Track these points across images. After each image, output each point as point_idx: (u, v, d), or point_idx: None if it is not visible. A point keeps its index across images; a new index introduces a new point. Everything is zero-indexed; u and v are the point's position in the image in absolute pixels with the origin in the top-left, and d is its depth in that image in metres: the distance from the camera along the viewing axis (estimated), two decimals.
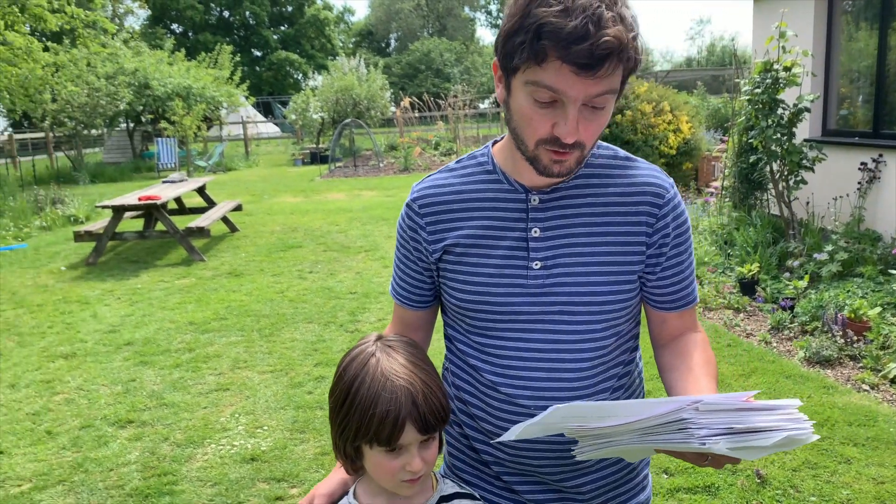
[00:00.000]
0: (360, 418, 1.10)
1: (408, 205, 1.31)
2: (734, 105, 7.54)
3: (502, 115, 1.11)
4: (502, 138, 1.28)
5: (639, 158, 1.29)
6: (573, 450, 1.07)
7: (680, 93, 16.06)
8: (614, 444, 1.02)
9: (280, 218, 10.61)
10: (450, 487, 1.23)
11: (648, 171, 1.26)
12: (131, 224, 9.37)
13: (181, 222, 8.71)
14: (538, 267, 1.21)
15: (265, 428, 3.70)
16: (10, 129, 23.46)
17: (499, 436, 1.24)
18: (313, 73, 30.06)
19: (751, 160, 6.57)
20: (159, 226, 8.71)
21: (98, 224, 8.55)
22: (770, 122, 5.88)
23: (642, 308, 1.33)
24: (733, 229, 6.62)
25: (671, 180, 1.28)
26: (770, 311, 5.03)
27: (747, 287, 5.52)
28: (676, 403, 0.95)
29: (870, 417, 3.47)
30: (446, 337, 1.37)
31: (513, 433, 1.04)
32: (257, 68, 46.75)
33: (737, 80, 7.04)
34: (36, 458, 3.46)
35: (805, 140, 6.54)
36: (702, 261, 6.32)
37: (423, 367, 1.13)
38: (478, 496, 1.25)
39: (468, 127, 20.87)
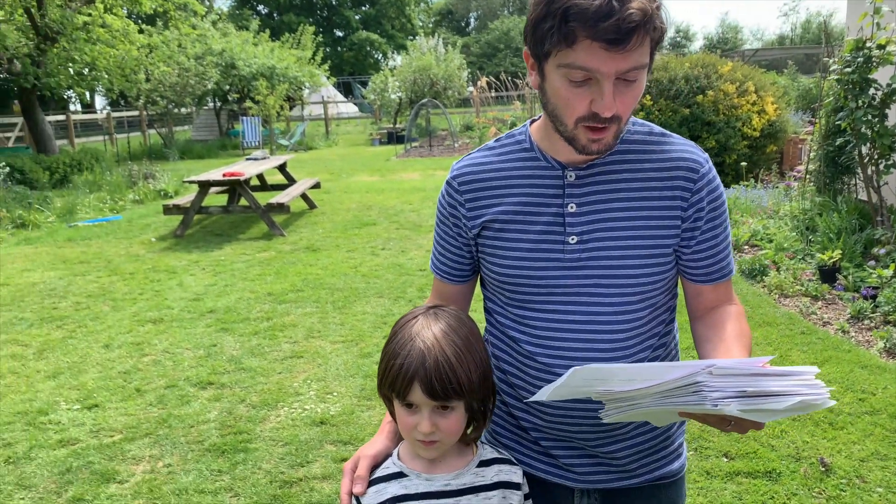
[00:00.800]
0: (384, 367, 1.19)
1: (448, 182, 1.37)
2: (822, 85, 7.22)
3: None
4: (540, 117, 1.32)
5: (674, 134, 1.31)
6: (600, 412, 1.12)
7: (768, 72, 15.41)
8: (637, 406, 1.06)
9: (356, 196, 10.87)
10: (489, 453, 1.29)
11: (683, 146, 1.28)
12: (216, 199, 9.80)
13: (263, 198, 9.05)
14: (574, 241, 1.25)
15: (335, 394, 3.87)
16: (108, 108, 24.76)
17: (536, 407, 1.30)
18: (393, 53, 30.33)
19: (838, 143, 6.29)
20: (242, 201, 9.09)
21: (185, 198, 9.00)
22: (860, 102, 5.61)
23: (679, 281, 1.36)
24: (816, 215, 6.37)
25: (706, 155, 1.29)
26: (850, 300, 4.85)
27: (827, 274, 5.33)
28: (691, 367, 0.98)
29: None
30: (486, 310, 1.42)
31: (542, 394, 1.10)
32: (339, 48, 47.54)
33: (826, 59, 6.72)
34: (126, 413, 3.75)
35: None
36: (781, 246, 6.13)
37: (452, 341, 1.17)
38: (516, 461, 1.31)
39: None
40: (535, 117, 1.35)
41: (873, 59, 5.56)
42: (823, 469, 2.92)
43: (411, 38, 37.90)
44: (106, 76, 14.70)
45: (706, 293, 1.31)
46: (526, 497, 1.29)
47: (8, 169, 11.06)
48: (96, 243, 8.12)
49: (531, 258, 1.27)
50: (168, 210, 8.58)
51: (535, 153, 1.30)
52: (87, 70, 14.75)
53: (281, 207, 8.35)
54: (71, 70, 14.48)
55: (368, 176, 13.38)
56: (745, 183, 8.41)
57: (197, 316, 5.32)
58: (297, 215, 9.39)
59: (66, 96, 28.79)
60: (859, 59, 5.60)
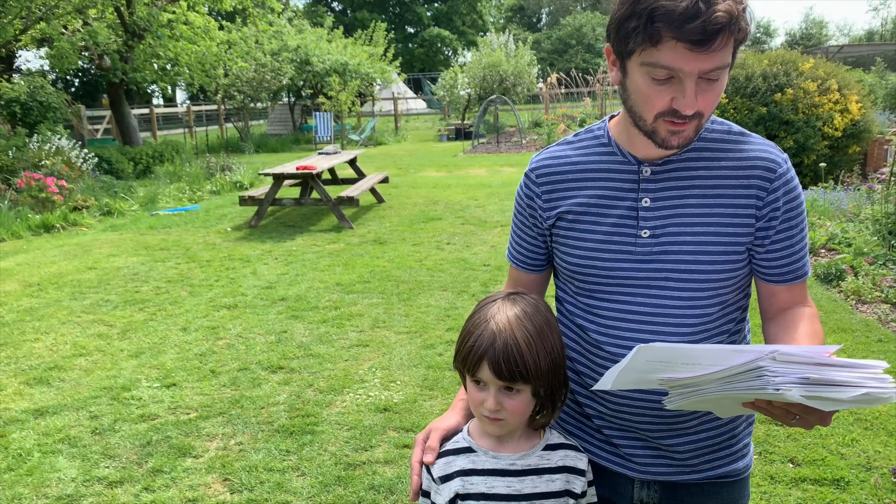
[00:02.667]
0: (460, 343, 1.26)
1: (526, 175, 1.42)
2: None
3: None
4: (619, 113, 1.35)
5: (753, 134, 1.32)
6: (664, 399, 1.14)
7: (854, 70, 14.76)
8: (700, 392, 1.07)
9: (423, 191, 11.00)
10: (556, 438, 1.33)
11: (762, 146, 1.29)
12: (289, 192, 10.10)
13: (333, 192, 9.28)
14: (647, 235, 1.27)
15: (398, 382, 3.97)
16: (188, 102, 25.73)
17: (602, 397, 1.33)
18: (463, 49, 30.42)
19: None
20: (314, 194, 9.34)
21: (260, 190, 9.32)
22: None
23: (752, 281, 1.36)
24: None
25: (785, 155, 1.29)
26: None
27: None
28: (755, 353, 0.99)
29: None
30: (557, 299, 1.46)
31: (608, 380, 1.13)
32: (410, 45, 47.96)
33: None
34: (201, 392, 3.94)
35: None
36: (860, 250, 5.90)
37: (525, 326, 1.22)
38: (582, 449, 1.34)
39: (616, 103, 20.33)
40: (615, 113, 1.37)
41: None
42: None
43: (482, 34, 37.91)
44: (187, 71, 15.31)
45: (780, 294, 1.31)
46: (590, 484, 1.33)
47: (96, 159, 11.67)
48: (176, 231, 8.51)
49: (603, 249, 1.30)
50: (244, 201, 8.90)
51: (612, 148, 1.33)
52: (170, 65, 15.39)
53: (350, 201, 8.55)
54: (155, 65, 15.16)
55: (435, 171, 13.50)
56: (824, 185, 8.10)
57: (269, 303, 5.52)
58: (365, 209, 9.58)
59: (149, 90, 30.09)
60: None
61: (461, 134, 20.21)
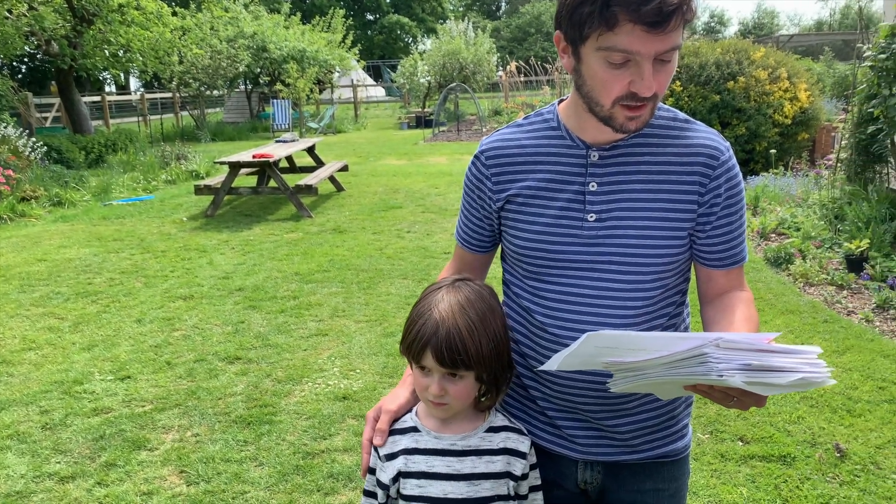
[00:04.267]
0: (406, 331, 1.28)
1: (476, 157, 1.42)
2: (856, 72, 7.09)
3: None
4: (568, 97, 1.36)
5: (698, 122, 1.34)
6: (608, 382, 1.17)
7: (803, 59, 15.12)
8: (644, 377, 1.10)
9: (383, 179, 10.95)
10: (500, 420, 1.35)
11: (706, 134, 1.31)
12: (246, 180, 9.96)
13: (291, 180, 9.18)
14: (593, 219, 1.29)
15: (358, 371, 3.97)
16: (142, 90, 25.14)
17: (546, 377, 1.35)
18: (422, 36, 30.28)
19: (870, 131, 6.20)
20: (271, 183, 9.22)
21: (216, 179, 9.17)
22: (894, 90, 5.53)
23: (692, 266, 1.39)
24: (845, 203, 6.29)
25: (727, 144, 1.32)
26: (876, 290, 4.81)
27: (854, 264, 5.28)
28: (699, 339, 1.02)
29: None
30: (504, 282, 1.48)
31: (554, 363, 1.14)
32: (369, 32, 47.54)
33: (859, 46, 6.60)
34: (157, 385, 3.88)
35: None
36: (808, 235, 6.07)
37: (467, 314, 1.24)
38: (525, 432, 1.37)
39: None
40: (563, 97, 1.39)
41: None
42: (839, 455, 2.94)
43: (441, 21, 37.77)
44: (140, 58, 14.93)
45: (718, 278, 1.34)
46: (532, 467, 1.35)
47: (45, 148, 11.33)
48: (130, 222, 8.33)
49: (550, 232, 1.32)
50: (199, 190, 8.75)
51: (561, 132, 1.34)
52: (121, 52, 14.99)
53: (309, 189, 8.47)
54: (106, 52, 14.74)
55: (396, 159, 13.45)
56: (775, 171, 8.31)
57: (226, 293, 5.45)
58: (324, 197, 9.51)
59: (101, 77, 29.29)
60: (894, 46, 5.51)
61: (422, 122, 20.14)
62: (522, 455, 1.32)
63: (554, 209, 1.32)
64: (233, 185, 8.66)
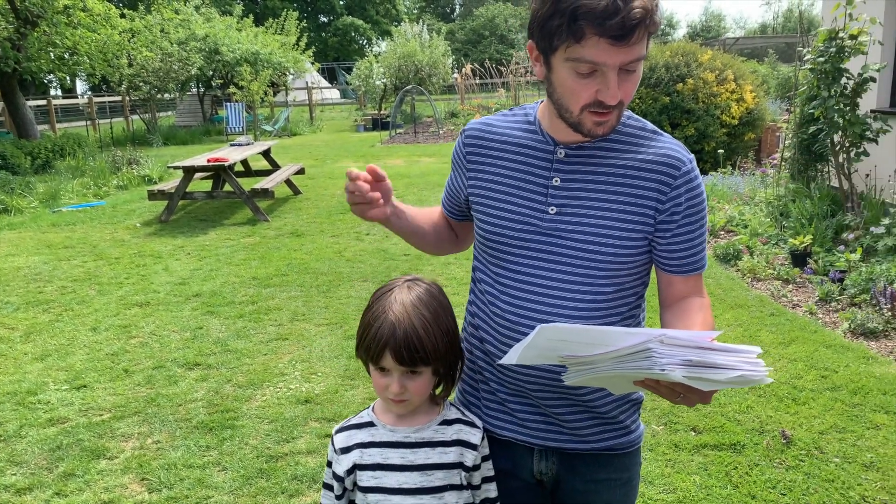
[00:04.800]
0: (361, 335, 1.33)
1: (461, 133, 1.53)
2: (797, 74, 7.37)
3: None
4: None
5: (665, 133, 1.41)
6: (562, 375, 1.23)
7: (749, 61, 15.57)
8: (596, 370, 1.16)
9: (341, 182, 10.92)
10: (453, 413, 1.42)
11: (671, 145, 1.38)
12: (201, 185, 9.83)
13: (247, 184, 9.09)
14: (553, 212, 1.36)
15: (319, 374, 3.98)
16: (90, 93, 24.53)
17: (500, 359, 1.41)
18: (377, 39, 30.22)
19: (811, 131, 6.44)
20: (227, 187, 9.12)
21: (170, 184, 9.03)
22: (833, 91, 5.76)
23: (652, 271, 1.45)
24: (790, 201, 6.53)
25: (691, 156, 1.39)
26: (819, 284, 5.02)
27: (799, 259, 5.49)
28: (646, 335, 1.08)
29: None
30: (473, 269, 1.55)
31: (513, 356, 1.20)
32: (323, 34, 47.20)
33: (800, 49, 6.86)
34: (115, 393, 3.83)
35: (872, 111, 6.37)
36: (755, 232, 6.29)
37: (422, 313, 1.30)
38: (478, 424, 1.43)
39: (529, 94, 20.75)
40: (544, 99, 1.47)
41: (845, 49, 5.71)
42: (785, 441, 3.08)
43: (396, 23, 37.74)
44: (87, 61, 14.58)
45: (677, 283, 1.41)
46: (484, 459, 1.41)
47: None
48: (81, 228, 8.14)
49: (513, 219, 1.39)
50: (153, 195, 8.61)
51: (535, 127, 1.42)
52: (68, 54, 14.62)
53: (265, 193, 8.40)
54: (52, 54, 14.36)
55: (353, 162, 13.42)
56: (723, 170, 8.57)
57: (183, 300, 5.39)
58: (281, 201, 9.44)
59: (46, 81, 28.47)
60: (832, 49, 5.75)
61: (378, 124, 20.11)
62: (474, 447, 1.39)
63: (520, 198, 1.39)
64: (187, 190, 8.54)
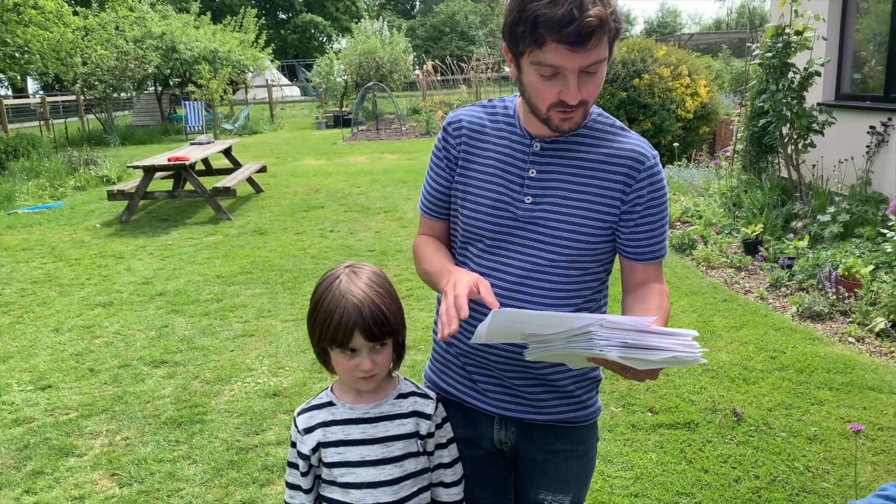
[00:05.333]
0: (322, 325, 1.39)
1: (444, 129, 1.60)
2: (748, 69, 7.61)
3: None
4: None
5: (632, 131, 1.53)
6: (524, 352, 1.33)
7: (703, 56, 15.94)
8: (552, 348, 1.28)
9: (303, 180, 10.91)
10: (407, 386, 1.53)
11: (636, 142, 1.50)
12: (161, 184, 9.73)
13: (209, 183, 9.03)
14: (529, 201, 1.47)
15: (286, 368, 4.03)
16: (42, 92, 23.96)
17: (470, 336, 1.51)
18: (337, 36, 30.06)
19: (761, 124, 6.67)
20: (188, 186, 9.05)
21: (130, 184, 8.93)
22: (780, 85, 5.98)
23: (615, 259, 1.57)
24: (742, 192, 6.76)
25: (656, 153, 1.51)
26: (769, 270, 5.23)
27: (750, 247, 5.71)
28: (588, 319, 1.21)
29: (848, 366, 3.70)
30: (451, 251, 1.64)
31: (481, 335, 1.30)
32: (282, 31, 46.75)
33: (749, 45, 7.10)
34: (81, 392, 3.83)
35: (818, 104, 6.62)
36: (709, 222, 6.50)
37: (377, 290, 1.40)
38: (431, 395, 1.54)
39: (491, 90, 20.90)
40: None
41: (792, 44, 5.94)
42: (736, 419, 3.23)
43: (356, 20, 37.58)
44: (40, 59, 14.27)
45: (638, 270, 1.52)
46: (438, 427, 1.53)
47: None
48: (38, 230, 8.01)
49: (492, 206, 1.49)
50: (113, 196, 8.50)
51: (514, 121, 1.52)
52: (19, 53, 14.28)
53: (227, 191, 8.37)
54: (2, 53, 14.01)
55: (315, 160, 13.39)
56: (679, 163, 8.80)
57: (147, 299, 5.38)
58: (243, 199, 9.41)
59: None
60: (779, 45, 5.97)
61: (340, 121, 20.05)
62: (428, 417, 1.50)
63: (500, 186, 1.49)
64: (148, 190, 8.46)
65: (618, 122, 1.52)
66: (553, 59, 1.29)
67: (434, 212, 1.62)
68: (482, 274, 1.49)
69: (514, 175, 1.48)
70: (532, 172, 1.47)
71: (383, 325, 1.38)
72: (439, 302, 1.62)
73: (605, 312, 1.60)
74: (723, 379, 3.64)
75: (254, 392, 3.75)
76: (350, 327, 1.36)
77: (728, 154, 7.96)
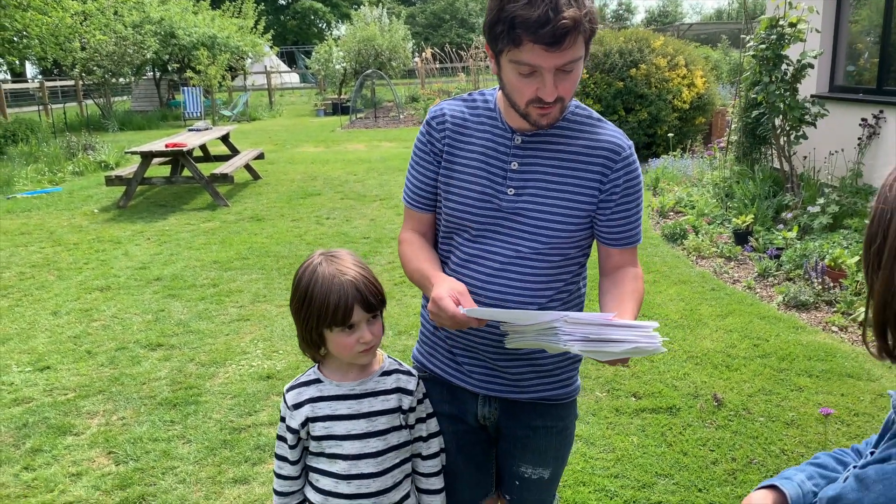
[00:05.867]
0: (319, 309, 1.47)
1: (426, 123, 1.65)
2: (742, 61, 7.66)
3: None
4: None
5: (609, 122, 1.60)
6: (504, 339, 1.46)
7: (703, 46, 15.94)
8: (527, 338, 1.40)
9: (301, 167, 10.96)
10: (391, 364, 1.62)
11: (613, 133, 1.57)
12: (159, 170, 9.77)
13: (206, 169, 9.08)
14: (511, 193, 1.54)
15: (280, 352, 4.11)
16: (41, 77, 23.92)
17: None
18: (337, 22, 29.97)
19: (755, 115, 6.73)
20: (186, 172, 9.10)
21: (128, 169, 8.98)
22: (774, 77, 6.03)
23: (594, 244, 1.65)
24: (734, 182, 6.83)
25: (630, 143, 1.58)
26: (758, 260, 5.30)
27: (741, 237, 5.78)
28: (553, 315, 1.32)
29: (829, 354, 3.78)
30: (438, 250, 1.71)
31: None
32: (281, 17, 46.56)
33: (743, 36, 7.14)
34: (78, 373, 3.91)
35: (811, 96, 6.67)
36: (701, 212, 6.57)
37: (361, 266, 1.52)
38: (413, 372, 1.63)
39: (489, 78, 20.89)
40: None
41: (785, 36, 5.98)
42: (716, 404, 3.32)
43: (355, 7, 37.44)
44: (38, 44, 14.27)
45: (614, 255, 1.60)
46: (419, 402, 1.62)
47: None
48: (37, 215, 8.08)
49: (476, 198, 1.56)
50: (111, 181, 8.56)
51: (495, 114, 1.59)
52: (17, 37, 14.27)
53: (224, 178, 8.43)
54: (1, 37, 14.00)
55: (313, 147, 13.43)
56: (673, 153, 8.86)
57: (144, 283, 5.45)
58: (241, 186, 9.46)
59: None
60: (773, 37, 6.01)
61: (338, 109, 20.06)
62: (410, 393, 1.60)
63: (483, 178, 1.56)
64: (145, 175, 8.52)
65: (595, 114, 1.59)
66: (530, 59, 1.36)
67: (421, 204, 1.68)
68: (467, 261, 1.57)
69: (497, 168, 1.54)
70: (514, 165, 1.53)
71: (377, 295, 1.49)
72: (425, 298, 1.71)
73: (583, 293, 1.69)
74: (706, 365, 3.72)
75: (248, 374, 3.83)
76: (350, 303, 1.45)
77: (722, 145, 8.01)
